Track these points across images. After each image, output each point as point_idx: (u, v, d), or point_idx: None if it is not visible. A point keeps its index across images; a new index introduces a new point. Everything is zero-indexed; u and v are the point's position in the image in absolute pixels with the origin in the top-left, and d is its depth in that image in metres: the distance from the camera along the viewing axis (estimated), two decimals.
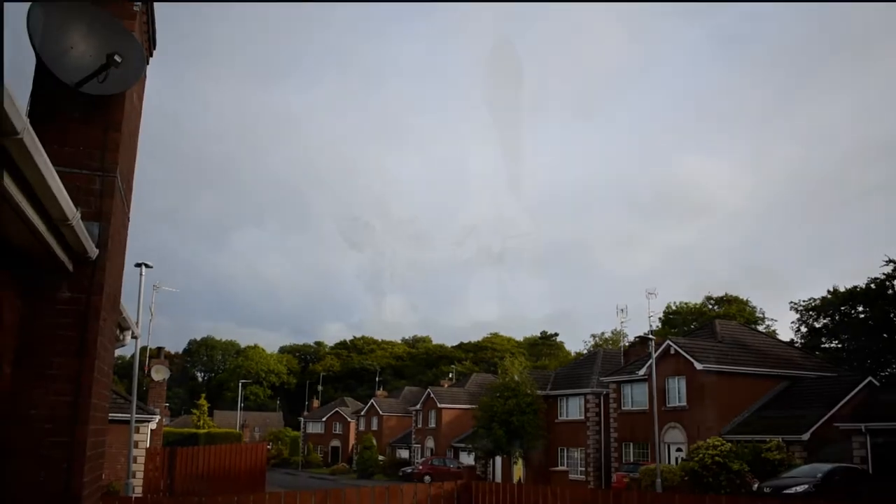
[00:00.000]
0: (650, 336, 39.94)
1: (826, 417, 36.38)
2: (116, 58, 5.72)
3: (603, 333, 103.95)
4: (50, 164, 4.21)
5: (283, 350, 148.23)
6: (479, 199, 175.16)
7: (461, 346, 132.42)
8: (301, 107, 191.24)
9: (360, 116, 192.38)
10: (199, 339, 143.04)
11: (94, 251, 5.74)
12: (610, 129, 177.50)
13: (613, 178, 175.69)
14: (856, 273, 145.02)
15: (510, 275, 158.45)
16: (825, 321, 66.32)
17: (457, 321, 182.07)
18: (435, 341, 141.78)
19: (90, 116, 6.00)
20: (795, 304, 68.34)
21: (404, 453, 79.24)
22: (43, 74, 5.86)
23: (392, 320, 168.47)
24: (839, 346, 64.89)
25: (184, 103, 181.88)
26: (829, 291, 65.57)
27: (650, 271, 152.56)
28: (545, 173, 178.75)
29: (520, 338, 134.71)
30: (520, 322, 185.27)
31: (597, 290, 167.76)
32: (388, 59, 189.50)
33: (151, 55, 7.01)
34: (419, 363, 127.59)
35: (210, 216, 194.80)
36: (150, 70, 7.16)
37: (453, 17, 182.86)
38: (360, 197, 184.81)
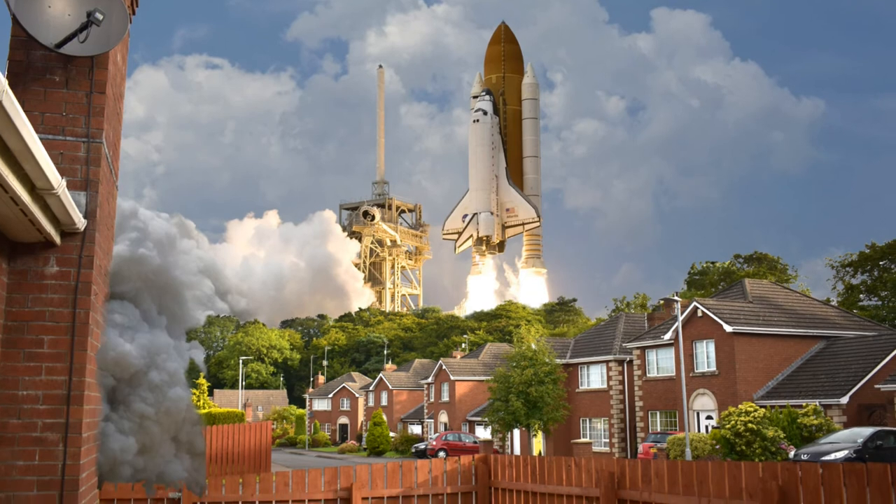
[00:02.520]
0: (675, 298, 39.94)
1: (866, 379, 36.33)
2: (97, 15, 5.69)
3: (625, 298, 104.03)
4: (32, 129, 4.21)
5: (284, 324, 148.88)
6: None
7: (474, 314, 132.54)
8: None
9: None
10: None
11: (81, 222, 5.75)
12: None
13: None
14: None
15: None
16: (863, 278, 65.97)
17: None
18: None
19: (72, 79, 5.99)
20: (831, 260, 67.98)
21: (416, 429, 79.82)
22: (19, 36, 5.85)
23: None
24: (878, 303, 64.59)
25: None
26: (866, 246, 65.18)
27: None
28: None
29: (536, 305, 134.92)
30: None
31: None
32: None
33: (134, 13, 6.99)
34: (429, 334, 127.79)
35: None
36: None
37: None
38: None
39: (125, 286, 6.75)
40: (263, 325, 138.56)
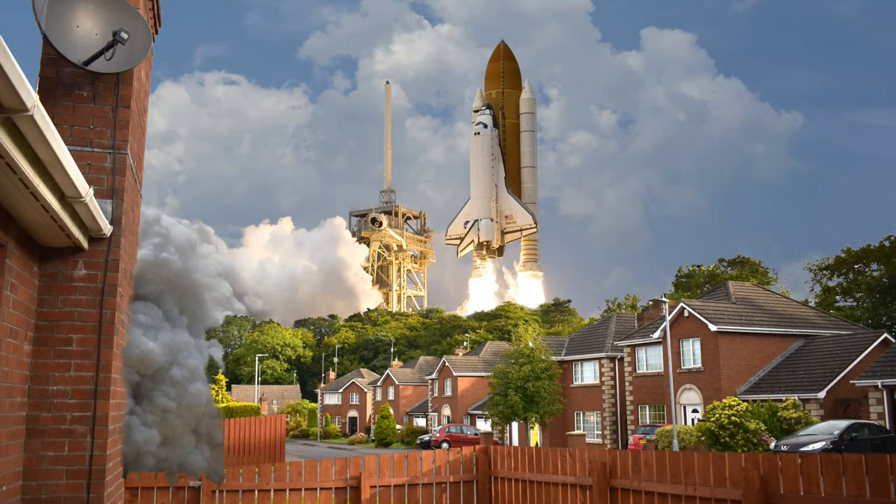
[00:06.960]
0: (663, 299, 39.89)
1: (842, 375, 36.29)
2: (123, 34, 5.71)
3: (616, 299, 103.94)
4: (62, 142, 4.23)
5: (297, 324, 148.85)
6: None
7: (475, 314, 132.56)
8: None
9: None
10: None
11: (108, 228, 5.78)
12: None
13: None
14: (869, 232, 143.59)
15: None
16: (839, 280, 65.94)
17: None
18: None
19: (99, 94, 6.02)
20: (809, 263, 67.95)
21: (421, 422, 79.73)
22: (50, 54, 5.88)
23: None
24: (853, 304, 64.56)
25: None
26: (842, 250, 65.15)
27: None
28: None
29: (533, 306, 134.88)
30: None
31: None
32: None
33: (157, 32, 7.01)
34: (433, 333, 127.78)
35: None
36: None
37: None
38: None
39: (149, 288, 6.77)
40: (278, 324, 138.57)
